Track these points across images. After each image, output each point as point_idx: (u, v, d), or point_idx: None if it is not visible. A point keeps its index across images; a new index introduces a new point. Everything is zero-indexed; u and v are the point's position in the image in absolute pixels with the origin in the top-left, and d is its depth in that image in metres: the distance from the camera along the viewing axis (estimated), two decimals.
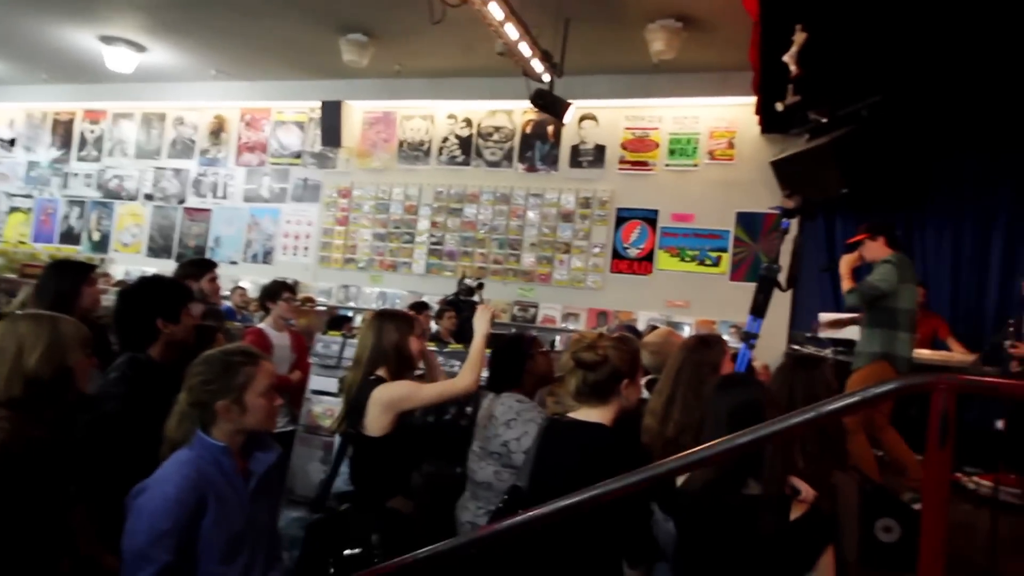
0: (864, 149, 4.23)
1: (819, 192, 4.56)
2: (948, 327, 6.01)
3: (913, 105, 5.40)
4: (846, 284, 4.21)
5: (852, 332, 5.74)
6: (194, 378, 1.88)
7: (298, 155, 9.49)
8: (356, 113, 9.10)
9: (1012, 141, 6.28)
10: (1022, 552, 3.70)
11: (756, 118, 6.99)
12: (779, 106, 4.51)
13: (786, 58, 4.44)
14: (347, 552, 2.35)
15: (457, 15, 5.20)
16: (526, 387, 2.89)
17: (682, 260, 7.68)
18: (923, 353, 5.14)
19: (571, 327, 7.76)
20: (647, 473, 1.34)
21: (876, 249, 4.30)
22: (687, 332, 7.02)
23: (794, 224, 5.18)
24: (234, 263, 9.46)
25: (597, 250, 7.99)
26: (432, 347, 3.74)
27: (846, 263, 4.32)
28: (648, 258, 7.80)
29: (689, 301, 7.55)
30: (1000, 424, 4.10)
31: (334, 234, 9.16)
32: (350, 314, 7.83)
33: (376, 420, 2.50)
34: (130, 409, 2.21)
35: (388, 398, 2.49)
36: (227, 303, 7.01)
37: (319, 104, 8.92)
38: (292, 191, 9.48)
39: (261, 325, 4.23)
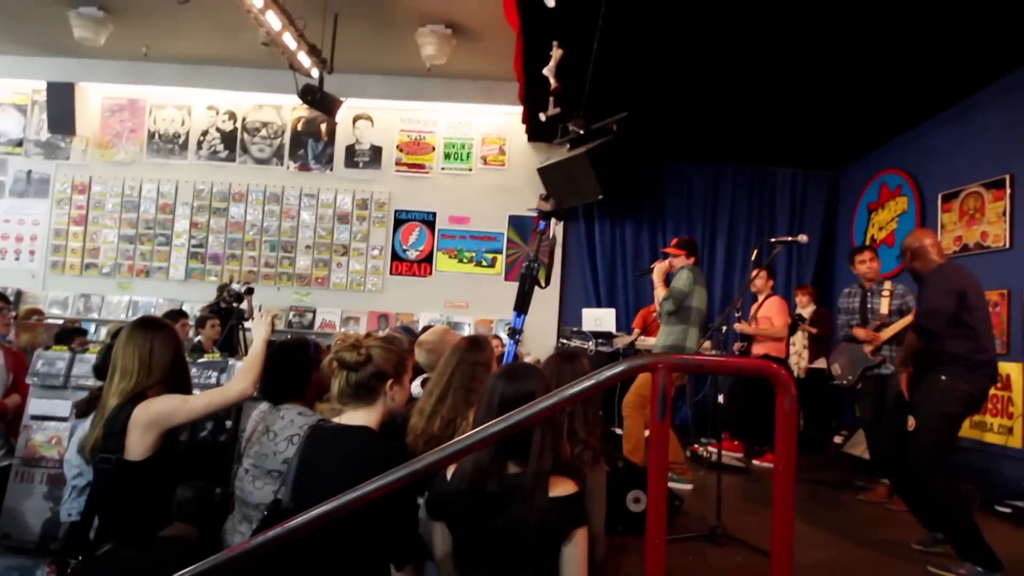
0: (616, 159, 4.67)
1: (580, 197, 4.95)
2: None
3: (652, 121, 6.11)
4: (662, 291, 4.58)
5: (609, 324, 6.35)
6: None
7: (19, 143, 8.08)
8: (94, 98, 7.98)
9: (729, 155, 7.44)
10: (744, 507, 4.36)
11: (524, 127, 7.42)
12: (542, 116, 4.82)
13: (546, 71, 4.75)
14: None
15: None
16: (308, 399, 2.70)
17: (460, 261, 7.89)
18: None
19: (351, 331, 7.55)
20: (403, 471, 1.32)
21: (683, 262, 4.76)
22: (467, 332, 7.22)
23: (556, 225, 5.54)
24: None
25: (376, 252, 7.89)
26: (188, 359, 3.39)
27: (660, 272, 4.71)
28: (428, 260, 7.89)
29: (468, 301, 7.77)
30: (720, 398, 4.80)
31: (69, 235, 7.95)
32: (91, 327, 6.84)
33: (139, 442, 2.20)
34: None
35: (153, 415, 2.20)
36: None
37: (44, 85, 7.68)
38: (12, 185, 8.06)
39: None
